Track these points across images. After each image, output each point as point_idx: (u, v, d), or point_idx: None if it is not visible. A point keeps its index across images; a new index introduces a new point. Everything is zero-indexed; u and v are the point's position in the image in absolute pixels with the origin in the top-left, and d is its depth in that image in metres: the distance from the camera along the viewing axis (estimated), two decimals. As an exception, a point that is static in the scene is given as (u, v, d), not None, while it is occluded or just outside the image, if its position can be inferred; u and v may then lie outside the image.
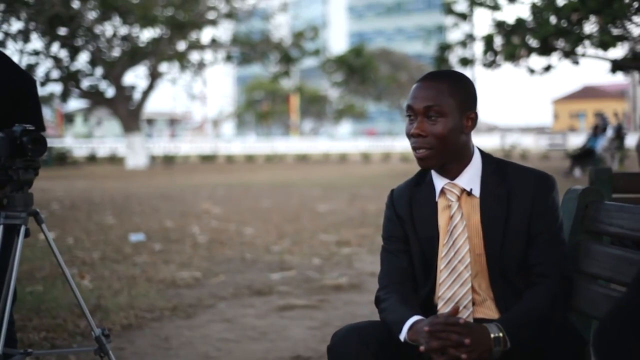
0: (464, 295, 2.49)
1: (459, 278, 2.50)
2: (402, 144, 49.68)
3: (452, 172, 2.56)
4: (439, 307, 2.52)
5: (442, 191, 2.57)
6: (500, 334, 2.32)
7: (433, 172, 2.60)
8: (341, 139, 60.95)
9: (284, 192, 17.77)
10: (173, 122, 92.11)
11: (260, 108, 74.33)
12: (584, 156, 21.14)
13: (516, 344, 2.33)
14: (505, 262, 2.49)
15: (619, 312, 1.54)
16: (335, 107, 71.60)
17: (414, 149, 2.51)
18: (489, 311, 2.52)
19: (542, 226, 2.49)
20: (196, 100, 50.20)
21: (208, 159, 39.72)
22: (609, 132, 21.28)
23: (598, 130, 21.95)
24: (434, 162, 2.51)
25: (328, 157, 42.34)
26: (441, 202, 2.58)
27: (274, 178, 23.72)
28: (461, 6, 23.04)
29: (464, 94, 2.51)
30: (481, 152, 2.61)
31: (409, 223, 2.61)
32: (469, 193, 2.54)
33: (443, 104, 2.46)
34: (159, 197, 16.15)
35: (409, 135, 2.51)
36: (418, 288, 2.61)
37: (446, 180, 2.56)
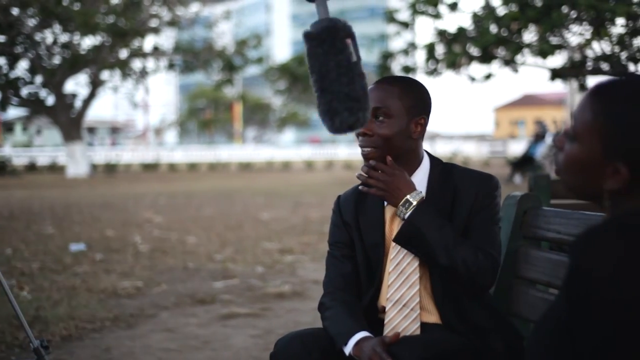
0: (412, 297, 2.51)
1: (407, 280, 2.52)
2: (345, 152, 49.84)
3: None
4: (387, 308, 2.54)
5: None
6: (418, 198, 2.48)
7: None
8: (284, 147, 60.91)
9: (227, 200, 17.69)
10: (115, 130, 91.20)
11: (203, 116, 73.97)
12: (524, 163, 21.43)
13: (416, 230, 2.44)
14: None
15: (548, 319, 1.57)
16: (279, 115, 71.56)
17: (361, 147, 2.56)
18: (431, 315, 2.54)
19: (478, 222, 2.52)
20: (138, 109, 49.73)
21: (150, 168, 39.37)
22: (548, 140, 21.60)
23: (538, 137, 22.26)
24: (379, 161, 2.54)
25: (271, 165, 42.28)
26: (391, 208, 2.60)
27: (217, 186, 23.60)
28: (403, 15, 23.19)
29: (414, 100, 2.56)
30: (430, 156, 2.66)
31: (355, 229, 2.65)
32: None
33: (390, 106, 2.51)
34: (100, 206, 15.96)
35: (357, 135, 2.55)
36: (362, 292, 2.64)
37: None
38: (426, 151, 2.66)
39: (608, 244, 1.39)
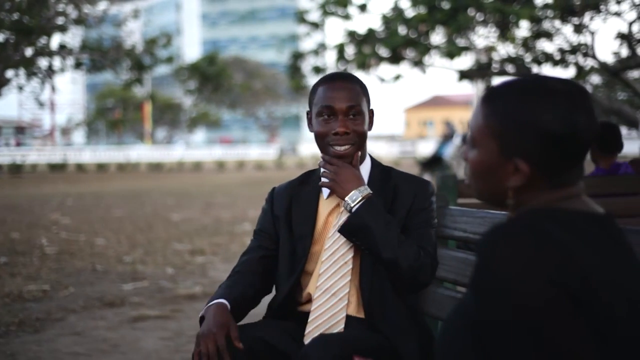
0: (342, 287, 2.56)
1: (339, 270, 2.58)
2: (257, 152, 49.76)
3: None
4: (316, 296, 2.58)
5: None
6: (365, 193, 2.52)
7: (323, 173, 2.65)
8: (195, 147, 60.48)
9: (137, 201, 17.47)
10: (20, 130, 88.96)
11: (112, 116, 72.89)
12: (432, 163, 21.74)
13: (359, 222, 2.48)
14: None
15: (457, 316, 1.59)
16: (189, 115, 71.00)
17: (337, 145, 2.59)
18: (356, 309, 2.59)
19: (417, 223, 2.59)
20: (45, 108, 48.56)
21: (57, 168, 38.56)
22: (456, 140, 21.97)
23: (446, 137, 22.61)
24: (352, 157, 2.61)
25: (182, 165, 41.92)
26: (330, 201, 2.67)
27: (127, 187, 23.29)
28: (314, 16, 23.27)
29: (368, 95, 2.69)
30: (370, 155, 2.75)
31: (285, 222, 2.70)
32: None
33: (361, 103, 2.61)
34: (4, 208, 15.56)
35: (333, 134, 2.59)
36: (280, 283, 2.68)
37: None
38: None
39: (512, 242, 1.43)
